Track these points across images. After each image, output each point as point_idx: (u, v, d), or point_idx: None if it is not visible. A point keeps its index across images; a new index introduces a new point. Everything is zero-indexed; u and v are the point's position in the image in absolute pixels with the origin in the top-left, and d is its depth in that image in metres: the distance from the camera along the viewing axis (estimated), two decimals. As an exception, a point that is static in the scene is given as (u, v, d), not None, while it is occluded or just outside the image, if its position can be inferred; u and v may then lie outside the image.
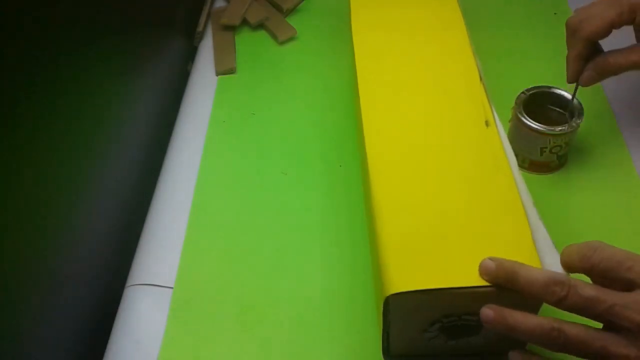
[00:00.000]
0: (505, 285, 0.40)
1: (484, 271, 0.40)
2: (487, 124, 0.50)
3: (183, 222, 0.61)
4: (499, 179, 0.47)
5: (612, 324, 0.36)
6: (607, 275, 0.37)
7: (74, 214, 0.54)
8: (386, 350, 0.49)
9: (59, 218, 0.52)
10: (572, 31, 0.55)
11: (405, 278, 0.41)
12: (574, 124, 0.57)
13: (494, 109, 0.52)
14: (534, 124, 0.57)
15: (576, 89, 0.57)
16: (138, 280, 0.57)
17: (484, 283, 0.40)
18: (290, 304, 0.54)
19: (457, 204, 0.45)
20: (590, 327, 0.37)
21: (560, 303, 0.37)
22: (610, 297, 0.36)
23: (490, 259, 0.40)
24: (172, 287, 0.56)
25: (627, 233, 0.56)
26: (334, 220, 0.60)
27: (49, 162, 0.50)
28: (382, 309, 0.43)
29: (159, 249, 0.60)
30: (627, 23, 0.53)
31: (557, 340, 0.37)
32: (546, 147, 0.58)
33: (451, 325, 0.44)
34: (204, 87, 0.75)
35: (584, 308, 0.37)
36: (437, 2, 0.63)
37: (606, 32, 0.53)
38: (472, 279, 0.41)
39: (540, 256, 0.42)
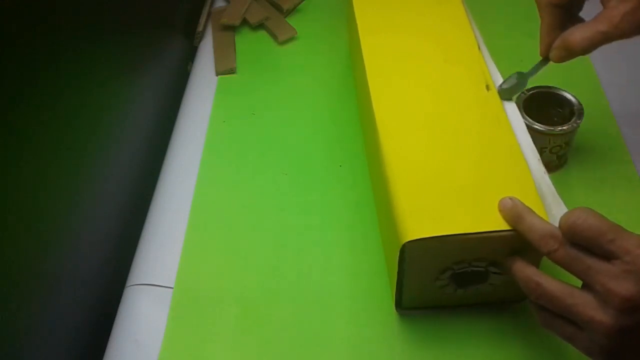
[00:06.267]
0: (511, 225, 0.43)
1: (501, 207, 0.44)
2: (487, 88, 0.53)
3: (183, 222, 0.61)
4: (501, 135, 0.50)
5: (590, 285, 0.38)
6: (590, 244, 0.38)
7: (74, 214, 0.54)
8: (399, 303, 0.52)
9: (58, 218, 0.52)
10: None
11: (420, 226, 0.45)
12: (574, 124, 0.57)
13: (494, 75, 0.55)
14: (534, 124, 0.57)
15: (543, 63, 0.53)
16: (138, 280, 0.57)
17: (495, 228, 0.44)
18: (290, 304, 0.54)
19: (464, 158, 0.49)
20: (569, 285, 0.40)
21: (550, 255, 0.40)
22: (589, 261, 0.38)
23: (510, 198, 0.44)
24: (172, 287, 0.56)
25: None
26: (334, 220, 0.60)
27: (48, 163, 0.50)
28: (397, 260, 0.46)
29: (159, 249, 0.60)
30: None
31: (535, 291, 0.41)
32: (546, 147, 0.58)
33: (461, 272, 0.47)
34: (204, 87, 0.75)
35: (567, 264, 0.39)
36: None
37: None
38: (483, 225, 0.44)
39: (547, 210, 0.45)
